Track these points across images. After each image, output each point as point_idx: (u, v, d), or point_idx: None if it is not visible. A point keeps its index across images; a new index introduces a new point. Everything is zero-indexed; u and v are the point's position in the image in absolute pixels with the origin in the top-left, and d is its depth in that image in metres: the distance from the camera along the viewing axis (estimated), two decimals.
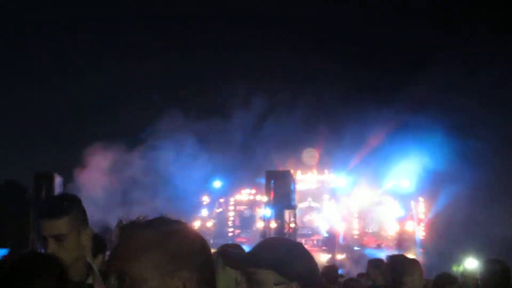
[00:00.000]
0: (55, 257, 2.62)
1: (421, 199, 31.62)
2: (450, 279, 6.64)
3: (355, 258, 29.46)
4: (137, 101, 34.36)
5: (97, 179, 27.73)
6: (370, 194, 31.91)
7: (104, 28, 37.38)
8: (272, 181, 25.42)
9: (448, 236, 29.10)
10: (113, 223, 1.82)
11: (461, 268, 26.82)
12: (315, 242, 32.00)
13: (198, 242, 1.79)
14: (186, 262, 1.72)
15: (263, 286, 2.29)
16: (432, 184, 30.14)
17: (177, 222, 1.83)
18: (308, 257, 2.36)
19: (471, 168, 28.33)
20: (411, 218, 31.44)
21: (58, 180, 25.97)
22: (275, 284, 2.28)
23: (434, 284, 7.34)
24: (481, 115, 30.65)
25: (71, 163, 28.66)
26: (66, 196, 3.32)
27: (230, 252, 2.67)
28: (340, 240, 31.56)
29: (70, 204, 3.15)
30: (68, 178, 27.51)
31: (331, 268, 8.49)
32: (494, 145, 29.53)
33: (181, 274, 1.69)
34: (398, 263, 4.99)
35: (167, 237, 1.74)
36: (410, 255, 21.38)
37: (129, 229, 1.79)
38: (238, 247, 3.88)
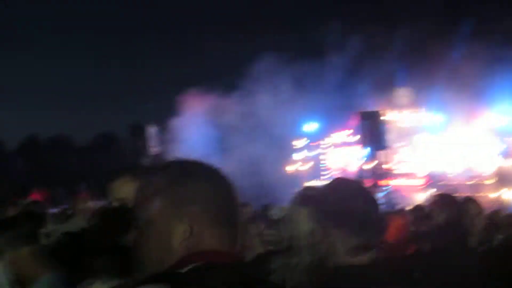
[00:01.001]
0: None
1: None
2: None
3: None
4: (229, 44, 34.52)
5: (193, 125, 28.21)
6: (466, 131, 30.83)
7: None
8: (366, 122, 25.22)
9: None
10: None
11: None
12: (414, 182, 31.41)
13: (212, 183, 1.78)
14: (194, 203, 1.72)
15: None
16: None
17: (193, 163, 1.83)
18: (349, 195, 2.38)
19: None
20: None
21: (153, 130, 26.78)
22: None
23: None
24: None
25: (167, 113, 29.31)
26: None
27: None
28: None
29: None
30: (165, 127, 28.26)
31: (417, 208, 8.28)
32: None
33: (188, 216, 1.71)
34: None
35: (175, 180, 1.75)
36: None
37: (144, 175, 1.84)
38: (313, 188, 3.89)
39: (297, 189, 3.69)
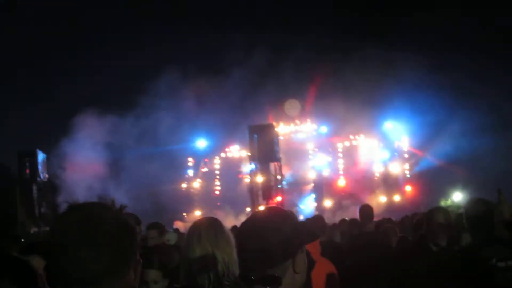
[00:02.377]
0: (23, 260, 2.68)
1: (405, 137, 31.67)
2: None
3: (342, 204, 29.75)
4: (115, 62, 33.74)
5: (86, 149, 27.47)
6: (353, 138, 32.04)
7: None
8: (255, 136, 25.40)
9: (436, 172, 29.27)
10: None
11: (448, 202, 27.20)
12: (303, 192, 32.23)
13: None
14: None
15: None
16: (418, 122, 30.11)
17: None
18: (281, 225, 2.37)
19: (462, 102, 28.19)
20: (397, 158, 31.66)
21: (41, 156, 25.82)
22: None
23: (415, 223, 7.39)
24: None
25: (54, 139, 28.34)
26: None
27: None
28: (328, 188, 31.79)
29: None
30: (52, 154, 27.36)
31: (316, 218, 8.48)
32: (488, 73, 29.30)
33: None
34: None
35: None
36: (397, 196, 21.55)
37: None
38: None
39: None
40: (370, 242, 7.08)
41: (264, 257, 2.29)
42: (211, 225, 3.61)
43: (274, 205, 23.65)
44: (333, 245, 7.71)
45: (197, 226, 3.63)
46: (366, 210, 8.01)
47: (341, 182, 31.84)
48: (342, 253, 6.87)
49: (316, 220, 8.96)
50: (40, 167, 25.33)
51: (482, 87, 28.94)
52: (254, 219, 2.43)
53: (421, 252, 5.24)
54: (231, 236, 3.58)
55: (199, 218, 3.96)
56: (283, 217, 2.43)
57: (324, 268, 5.07)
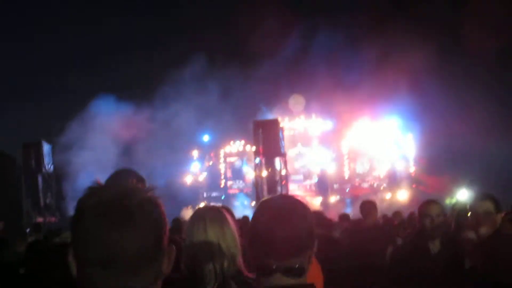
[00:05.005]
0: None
1: (411, 135, 31.59)
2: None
3: (348, 200, 29.75)
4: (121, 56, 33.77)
5: (96, 139, 27.52)
6: (359, 134, 31.95)
7: None
8: (260, 130, 25.42)
9: (443, 170, 29.12)
10: None
11: (454, 200, 27.05)
12: (307, 187, 32.26)
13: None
14: None
15: None
16: (423, 118, 29.96)
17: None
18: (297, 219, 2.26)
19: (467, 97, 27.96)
20: (403, 155, 31.58)
21: (46, 147, 25.89)
22: None
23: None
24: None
25: (60, 130, 28.42)
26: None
27: None
28: (333, 183, 31.79)
29: None
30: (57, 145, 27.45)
31: (317, 214, 8.45)
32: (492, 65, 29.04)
33: None
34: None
35: None
36: (403, 191, 21.44)
37: None
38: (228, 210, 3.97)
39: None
40: (369, 238, 7.06)
41: (290, 245, 2.20)
42: (216, 214, 3.54)
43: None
44: (329, 239, 7.68)
45: (201, 214, 3.55)
46: (367, 206, 7.99)
47: (346, 178, 31.87)
48: (338, 248, 6.83)
49: (316, 214, 8.95)
50: (45, 158, 25.37)
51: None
52: (276, 205, 2.32)
53: (418, 250, 5.21)
54: (235, 226, 3.53)
55: (202, 207, 3.91)
56: (305, 204, 2.36)
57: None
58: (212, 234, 3.41)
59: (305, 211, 2.31)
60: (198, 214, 3.57)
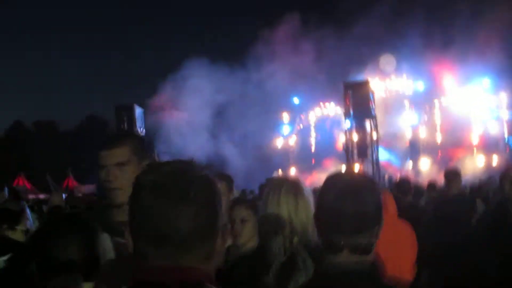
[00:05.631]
0: (83, 217, 2.69)
1: (504, 94, 30.11)
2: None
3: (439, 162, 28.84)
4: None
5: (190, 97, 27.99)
6: (451, 96, 30.89)
7: None
8: (350, 92, 25.11)
9: None
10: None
11: None
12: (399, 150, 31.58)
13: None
14: None
15: None
16: None
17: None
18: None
19: None
20: (497, 116, 30.31)
21: (138, 111, 26.51)
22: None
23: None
24: None
25: (152, 93, 29.03)
26: (123, 131, 3.51)
27: None
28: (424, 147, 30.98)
29: (128, 136, 3.45)
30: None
31: (402, 179, 8.26)
32: None
33: None
34: None
35: None
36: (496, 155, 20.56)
37: None
38: None
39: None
40: (453, 209, 6.84)
41: (359, 221, 2.17)
42: (291, 186, 3.50)
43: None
44: (415, 208, 7.49)
45: (276, 186, 3.53)
46: (451, 174, 7.68)
47: (438, 141, 30.96)
48: (421, 218, 6.67)
49: (403, 181, 8.76)
50: (137, 121, 25.98)
51: None
52: (343, 181, 2.29)
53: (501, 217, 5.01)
54: (311, 199, 3.47)
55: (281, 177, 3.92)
56: (372, 180, 2.37)
57: (402, 230, 4.88)
58: (284, 207, 3.38)
59: (372, 186, 2.30)
60: (274, 185, 3.55)
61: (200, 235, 1.65)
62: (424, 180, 16.39)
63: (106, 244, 2.64)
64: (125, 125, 25.59)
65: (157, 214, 1.62)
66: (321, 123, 33.95)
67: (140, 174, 1.71)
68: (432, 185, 10.80)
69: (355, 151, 25.51)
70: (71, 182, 32.46)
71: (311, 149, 33.87)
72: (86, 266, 2.43)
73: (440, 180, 10.58)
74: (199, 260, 1.65)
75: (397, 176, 23.81)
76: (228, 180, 5.38)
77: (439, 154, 30.45)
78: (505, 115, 30.18)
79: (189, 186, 1.65)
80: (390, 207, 4.73)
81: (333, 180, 2.31)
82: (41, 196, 25.03)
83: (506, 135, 30.03)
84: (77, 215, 2.80)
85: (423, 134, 31.18)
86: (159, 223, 1.62)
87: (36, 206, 12.09)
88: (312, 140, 34.08)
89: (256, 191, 15.01)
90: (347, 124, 26.19)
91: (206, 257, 1.67)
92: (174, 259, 1.63)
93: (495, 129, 30.04)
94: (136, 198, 1.67)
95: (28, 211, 5.38)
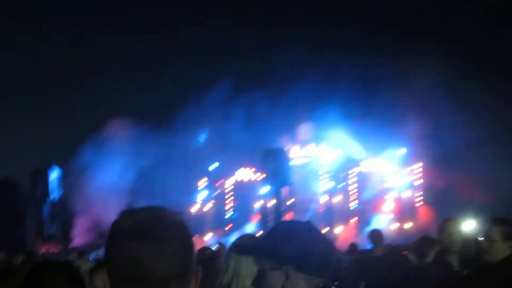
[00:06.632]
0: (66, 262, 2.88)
1: (419, 163, 31.32)
2: (429, 241, 6.70)
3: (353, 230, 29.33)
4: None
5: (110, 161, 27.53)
6: (369, 163, 31.73)
7: None
8: (268, 159, 25.39)
9: (447, 200, 28.83)
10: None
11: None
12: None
13: None
14: None
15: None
16: (430, 148, 29.76)
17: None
18: (307, 238, 2.30)
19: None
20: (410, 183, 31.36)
21: (56, 172, 25.86)
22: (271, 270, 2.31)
23: (415, 248, 7.29)
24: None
25: (70, 154, 28.41)
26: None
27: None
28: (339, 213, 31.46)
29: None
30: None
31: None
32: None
33: None
34: None
35: None
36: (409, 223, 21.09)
37: None
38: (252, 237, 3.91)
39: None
40: (380, 267, 6.91)
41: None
42: None
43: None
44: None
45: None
46: (375, 235, 7.84)
47: (353, 207, 31.57)
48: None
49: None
50: (56, 183, 25.37)
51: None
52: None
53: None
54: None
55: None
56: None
57: None
58: None
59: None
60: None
61: (176, 275, 1.71)
62: (341, 244, 16.55)
63: None
64: (39, 190, 24.99)
65: (135, 256, 1.68)
66: (239, 189, 33.93)
67: (116, 220, 1.76)
68: (353, 247, 10.95)
69: (270, 217, 25.63)
70: None
71: (225, 213, 33.75)
72: None
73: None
74: None
75: None
76: None
77: (357, 219, 31.05)
78: (418, 183, 31.32)
79: (166, 229, 1.72)
80: None
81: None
82: None
83: (418, 203, 31.10)
84: None
85: (338, 200, 31.70)
86: (138, 264, 1.67)
87: None
88: (228, 206, 33.94)
89: None
90: (264, 190, 26.35)
91: None
92: None
93: (409, 196, 31.08)
94: (114, 242, 1.73)
95: None
